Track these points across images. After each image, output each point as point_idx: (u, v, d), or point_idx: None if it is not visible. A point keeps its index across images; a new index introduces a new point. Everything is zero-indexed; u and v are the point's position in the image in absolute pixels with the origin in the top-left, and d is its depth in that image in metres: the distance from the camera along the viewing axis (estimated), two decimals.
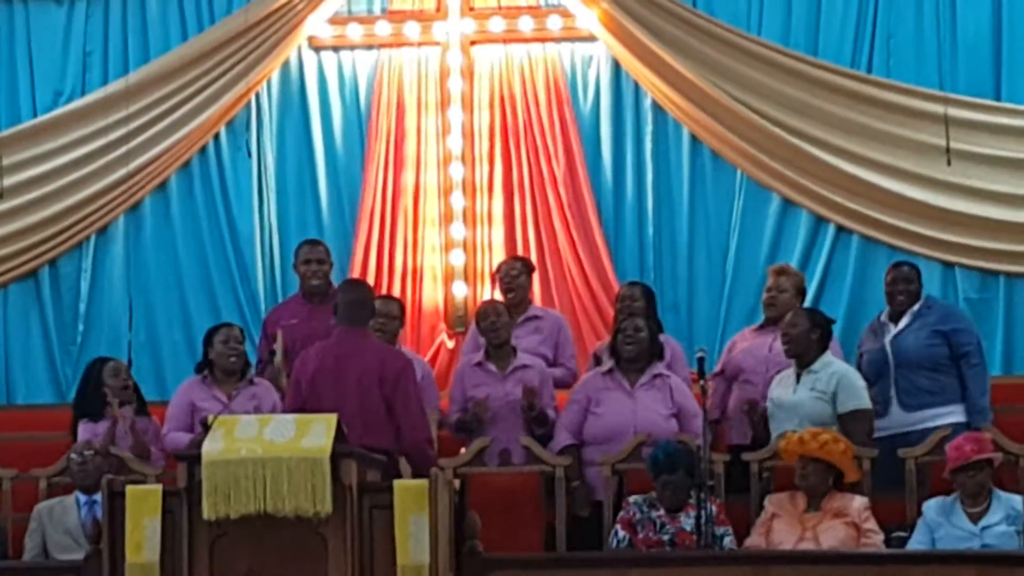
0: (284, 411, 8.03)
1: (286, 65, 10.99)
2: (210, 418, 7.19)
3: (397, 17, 10.97)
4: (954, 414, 8.91)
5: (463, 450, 8.98)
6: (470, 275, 10.80)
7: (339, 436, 7.06)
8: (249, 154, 10.96)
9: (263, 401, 8.85)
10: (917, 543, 8.01)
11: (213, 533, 7.01)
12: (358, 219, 10.84)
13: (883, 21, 10.62)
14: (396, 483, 7.10)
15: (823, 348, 8.73)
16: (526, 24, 10.88)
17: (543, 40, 10.90)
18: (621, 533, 8.10)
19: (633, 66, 10.72)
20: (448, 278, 10.82)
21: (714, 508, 7.95)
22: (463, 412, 9.13)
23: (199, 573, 7.01)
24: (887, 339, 9.10)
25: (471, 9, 10.94)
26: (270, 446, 6.98)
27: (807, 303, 9.51)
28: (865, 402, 8.62)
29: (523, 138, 10.85)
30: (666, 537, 8.03)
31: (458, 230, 10.82)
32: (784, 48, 10.61)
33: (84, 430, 8.99)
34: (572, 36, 10.88)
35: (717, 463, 8.48)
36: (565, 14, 10.84)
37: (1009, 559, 7.48)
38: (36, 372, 10.91)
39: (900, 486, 8.48)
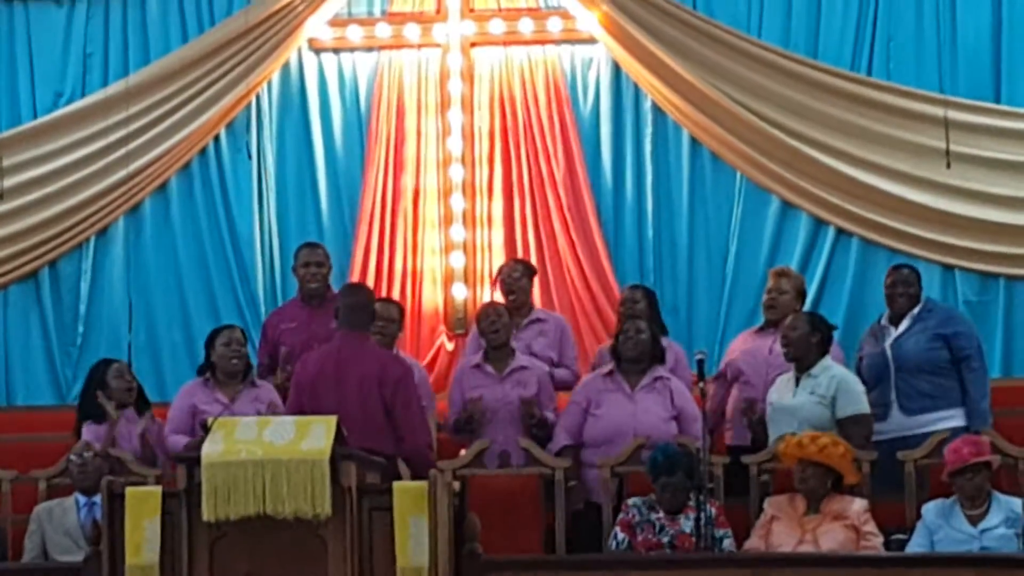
0: (284, 414, 8.03)
1: (286, 67, 10.99)
2: (210, 420, 7.20)
3: (397, 19, 10.97)
4: (954, 418, 8.91)
5: (463, 452, 8.98)
6: (470, 277, 10.80)
7: (339, 438, 7.06)
8: (249, 156, 10.95)
9: (265, 403, 8.85)
10: (916, 546, 8.01)
11: (213, 535, 7.01)
12: (358, 221, 10.84)
13: (883, 23, 10.62)
14: (396, 485, 7.10)
15: (823, 352, 8.73)
16: (526, 26, 10.87)
17: (543, 42, 10.90)
18: (620, 535, 8.11)
19: (633, 68, 10.72)
20: (448, 280, 10.81)
21: (713, 510, 7.96)
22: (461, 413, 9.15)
23: (199, 575, 7.02)
24: (888, 343, 9.10)
25: (471, 11, 10.94)
26: (270, 448, 6.98)
27: (807, 306, 9.51)
28: (864, 407, 8.63)
29: (523, 140, 10.84)
30: (665, 539, 8.04)
31: (458, 232, 10.81)
32: (784, 50, 10.60)
33: (88, 432, 8.98)
34: (572, 38, 10.87)
35: (716, 465, 8.49)
36: (565, 16, 10.83)
37: (1008, 562, 7.49)
38: (36, 373, 10.90)
39: (900, 489, 8.49)
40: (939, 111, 10.33)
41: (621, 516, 8.19)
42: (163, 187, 10.97)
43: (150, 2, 11.02)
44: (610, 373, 9.00)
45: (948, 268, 10.46)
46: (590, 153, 10.80)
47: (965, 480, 8.01)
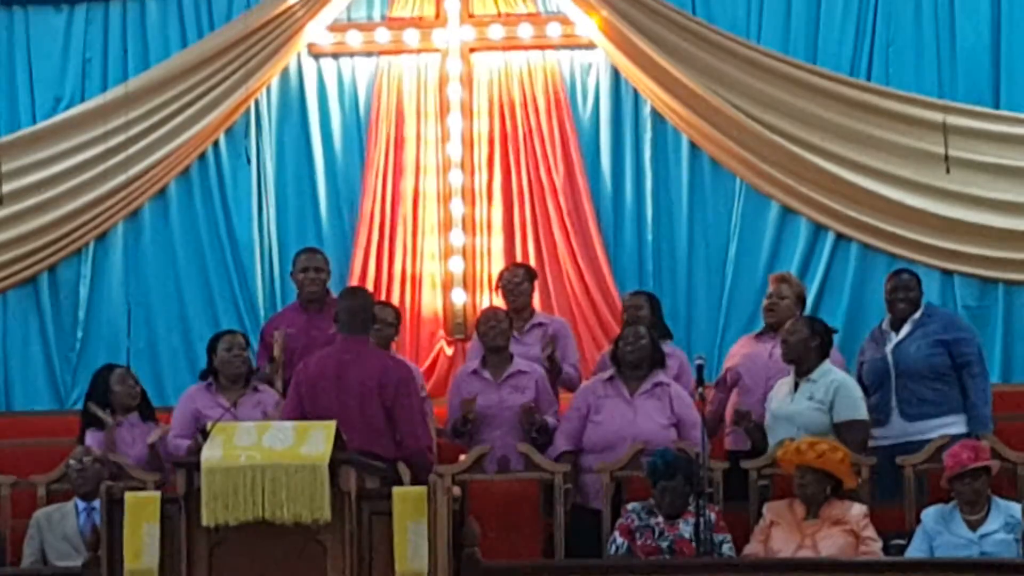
0: (284, 418, 8.03)
1: (285, 72, 10.99)
2: (209, 425, 7.19)
3: (396, 24, 10.97)
4: (955, 424, 8.89)
5: (462, 457, 8.98)
6: (469, 282, 10.80)
7: (338, 443, 7.06)
8: (248, 161, 10.96)
9: (267, 406, 8.85)
10: (916, 551, 8.00)
11: (212, 540, 7.00)
12: (357, 226, 10.84)
13: (882, 29, 10.62)
14: (395, 490, 7.10)
15: (822, 356, 8.72)
16: (525, 31, 10.88)
17: (542, 47, 10.90)
18: (620, 540, 8.10)
19: (632, 73, 10.72)
20: (447, 285, 10.81)
21: (713, 515, 7.95)
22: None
23: None
24: (888, 348, 9.09)
25: (470, 16, 10.94)
26: (269, 453, 6.98)
27: (806, 311, 9.50)
28: (862, 413, 8.62)
29: (522, 145, 10.85)
30: (665, 544, 8.03)
31: (457, 237, 10.81)
32: (783, 56, 10.60)
33: (91, 438, 8.97)
34: (571, 43, 10.87)
35: (716, 470, 8.48)
36: (564, 21, 10.84)
37: (1007, 567, 7.49)
38: (35, 378, 10.90)
39: (900, 494, 8.48)
40: (938, 116, 10.34)
41: (620, 521, 8.18)
42: (162, 192, 10.97)
43: (149, 7, 11.02)
44: (610, 379, 9.00)
45: (947, 273, 10.46)
46: (589, 158, 10.80)
47: (964, 485, 8.01)
